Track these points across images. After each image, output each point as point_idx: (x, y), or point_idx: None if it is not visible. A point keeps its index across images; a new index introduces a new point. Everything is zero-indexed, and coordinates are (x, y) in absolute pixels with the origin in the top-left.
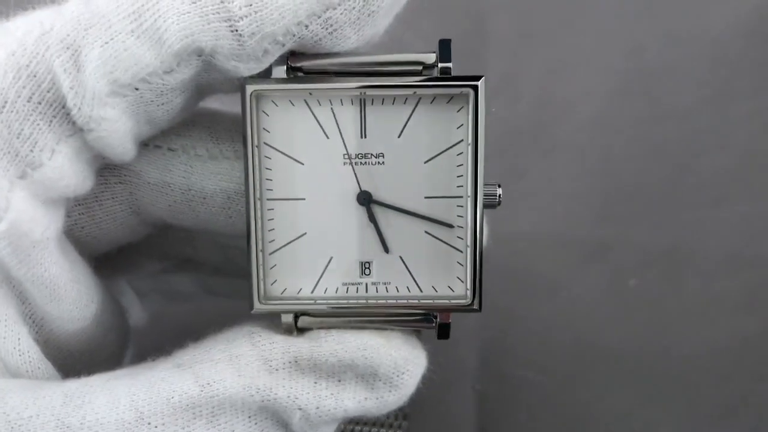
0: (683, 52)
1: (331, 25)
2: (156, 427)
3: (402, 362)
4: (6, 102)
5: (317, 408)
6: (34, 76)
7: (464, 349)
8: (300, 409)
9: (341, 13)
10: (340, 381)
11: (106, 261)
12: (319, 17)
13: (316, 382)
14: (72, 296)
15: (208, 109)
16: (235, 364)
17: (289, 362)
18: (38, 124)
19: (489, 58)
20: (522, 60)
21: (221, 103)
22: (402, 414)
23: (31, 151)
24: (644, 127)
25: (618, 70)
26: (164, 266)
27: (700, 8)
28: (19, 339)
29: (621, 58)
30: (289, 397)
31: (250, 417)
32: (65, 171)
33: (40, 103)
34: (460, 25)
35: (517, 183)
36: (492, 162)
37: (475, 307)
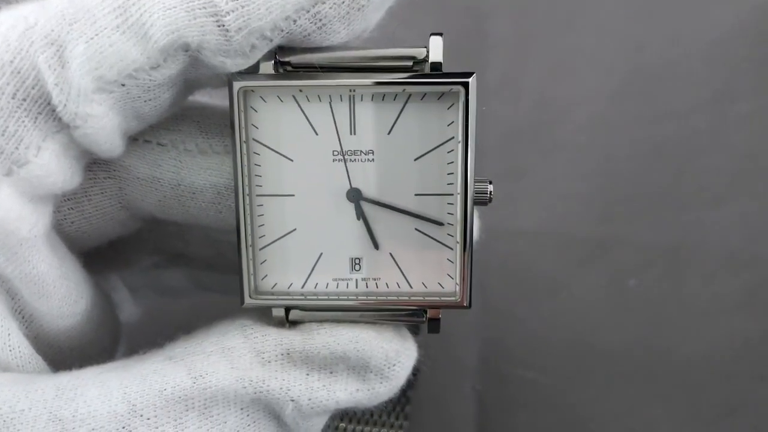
0: (683, 52)
1: (320, 20)
2: (148, 419)
3: (393, 354)
4: None
5: (309, 399)
6: (18, 72)
7: (464, 349)
8: (292, 400)
9: (330, 8)
10: (332, 373)
11: (97, 256)
12: (308, 12)
13: (308, 374)
14: (61, 293)
15: (198, 104)
16: (227, 357)
17: (282, 354)
18: (23, 121)
19: (489, 58)
20: (522, 60)
21: (210, 97)
22: (403, 414)
23: (17, 148)
24: (644, 127)
25: (618, 70)
26: (156, 261)
27: (700, 8)
28: (9, 335)
29: (621, 58)
30: (281, 388)
31: (242, 409)
32: (52, 168)
33: (24, 100)
34: (460, 25)
35: (517, 183)
36: (492, 162)
37: (465, 304)
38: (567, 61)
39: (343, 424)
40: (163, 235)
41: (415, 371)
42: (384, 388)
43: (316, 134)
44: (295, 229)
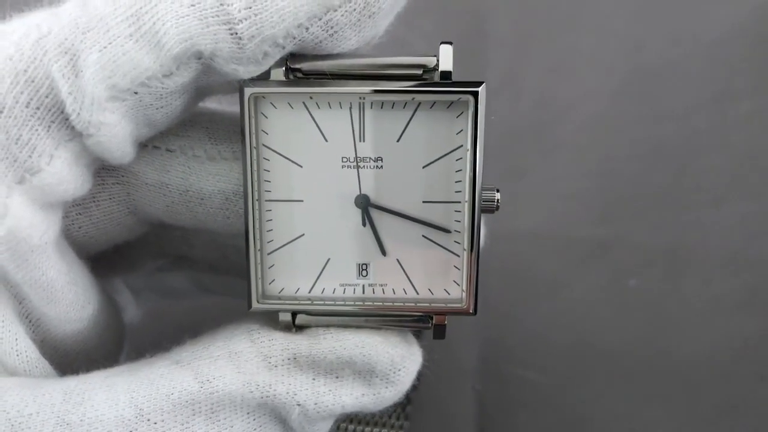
0: (683, 52)
1: (332, 27)
2: (155, 423)
3: (399, 359)
4: (4, 107)
5: (315, 404)
6: (32, 81)
7: (464, 349)
8: (299, 404)
9: (342, 15)
10: (338, 377)
11: (102, 260)
12: (320, 19)
13: (314, 379)
14: (69, 298)
15: (207, 110)
16: (234, 361)
17: (288, 359)
18: (36, 130)
19: (489, 58)
20: (522, 60)
21: (219, 103)
22: (403, 415)
23: (30, 156)
24: (644, 127)
25: (618, 70)
26: (159, 264)
27: (700, 8)
28: (16, 339)
29: (621, 58)
30: (288, 393)
31: (249, 413)
32: (64, 176)
33: (38, 109)
34: (460, 25)
35: (517, 183)
36: (492, 162)
37: (471, 311)
38: (567, 61)
39: (344, 424)
40: (168, 238)
41: (419, 375)
42: (389, 393)
43: (326, 141)
44: (303, 235)
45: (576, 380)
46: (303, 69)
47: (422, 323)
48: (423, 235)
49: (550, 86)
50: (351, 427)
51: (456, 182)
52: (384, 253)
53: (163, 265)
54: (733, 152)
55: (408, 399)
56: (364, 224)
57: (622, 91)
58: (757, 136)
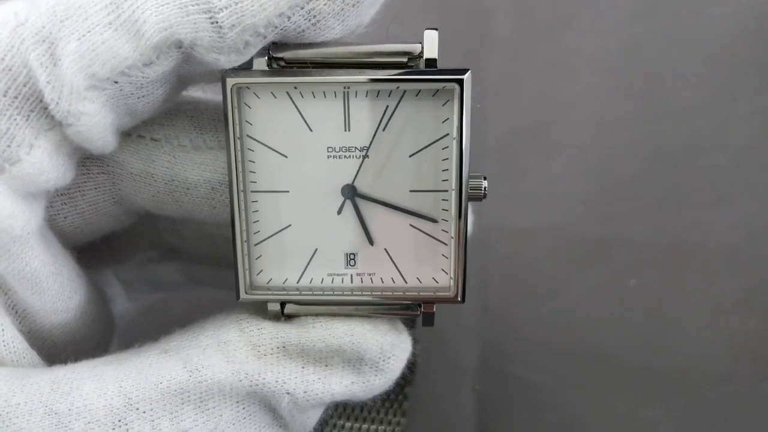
0: (683, 52)
1: (315, 16)
2: (144, 412)
3: (388, 347)
4: None
5: (305, 392)
6: (10, 70)
7: (464, 349)
8: (288, 393)
9: (325, 4)
10: (327, 366)
11: (91, 251)
12: (302, 8)
13: (303, 367)
14: (54, 289)
15: (192, 98)
16: (223, 350)
17: (277, 348)
18: (15, 119)
19: (489, 57)
20: (522, 59)
21: (204, 92)
22: (400, 411)
23: (8, 146)
24: (644, 127)
25: (618, 70)
26: (150, 256)
27: (700, 8)
28: (2, 330)
29: (621, 58)
30: (277, 381)
31: (238, 402)
32: (44, 166)
33: (16, 98)
34: (460, 25)
35: (517, 182)
36: (492, 162)
37: (459, 299)
38: (567, 61)
39: (341, 422)
40: (156, 229)
41: (411, 366)
42: (379, 381)
43: (311, 130)
44: (290, 225)
45: (576, 380)
46: (286, 58)
47: (411, 311)
48: (410, 224)
49: (550, 86)
50: (348, 424)
51: (443, 171)
52: (371, 242)
53: (153, 257)
54: (733, 152)
55: (405, 395)
56: (338, 213)
57: (622, 91)
58: (757, 136)
